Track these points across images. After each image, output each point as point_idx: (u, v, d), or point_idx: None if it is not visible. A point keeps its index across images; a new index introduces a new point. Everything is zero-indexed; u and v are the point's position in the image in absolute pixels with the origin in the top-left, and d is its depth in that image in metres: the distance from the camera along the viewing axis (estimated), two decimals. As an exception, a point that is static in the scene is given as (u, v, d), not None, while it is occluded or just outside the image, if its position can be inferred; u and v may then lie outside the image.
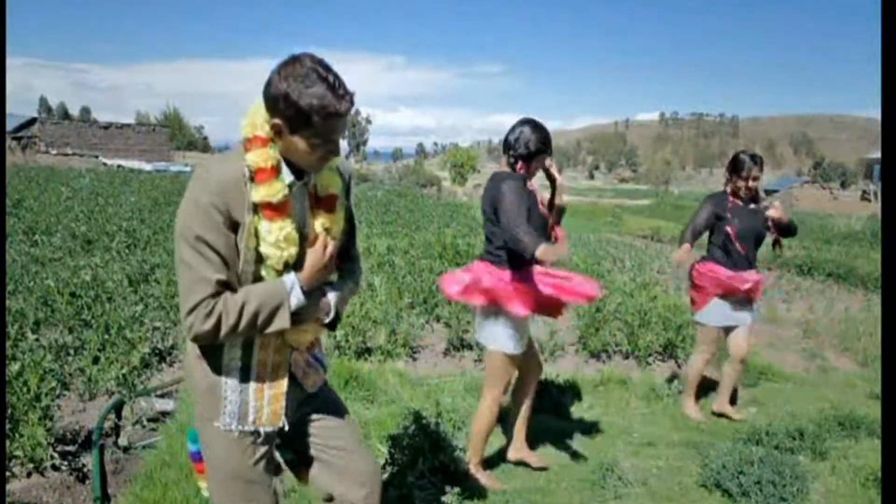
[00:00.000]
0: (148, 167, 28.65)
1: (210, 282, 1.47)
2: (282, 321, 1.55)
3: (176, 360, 4.62)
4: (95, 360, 4.17)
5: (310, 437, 1.83)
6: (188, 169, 29.56)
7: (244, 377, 1.63)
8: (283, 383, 1.68)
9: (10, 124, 32.44)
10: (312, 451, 1.83)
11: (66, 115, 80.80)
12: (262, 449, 1.71)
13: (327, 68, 1.46)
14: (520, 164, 2.80)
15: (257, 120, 1.52)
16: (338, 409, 1.89)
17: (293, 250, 1.57)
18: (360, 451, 1.88)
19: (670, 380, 4.85)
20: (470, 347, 5.17)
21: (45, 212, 10.64)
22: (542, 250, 2.43)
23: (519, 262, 2.76)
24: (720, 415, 4.20)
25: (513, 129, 2.84)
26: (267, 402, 1.66)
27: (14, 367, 3.22)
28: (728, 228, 3.85)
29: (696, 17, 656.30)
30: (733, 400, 4.37)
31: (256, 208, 1.51)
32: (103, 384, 3.97)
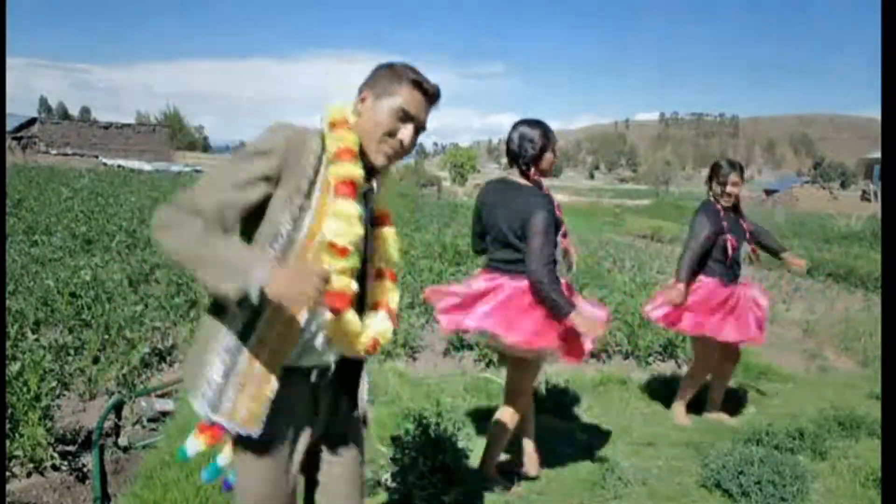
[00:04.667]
0: (148, 167, 28.64)
1: (219, 201, 1.38)
2: (225, 286, 1.29)
3: (176, 360, 4.62)
4: (95, 360, 4.18)
5: (320, 460, 1.72)
6: (188, 169, 29.56)
7: (232, 360, 1.47)
8: (273, 385, 1.48)
9: (10, 124, 32.40)
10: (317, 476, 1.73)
11: (66, 115, 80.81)
12: (301, 448, 1.60)
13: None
14: (532, 169, 2.77)
15: (344, 109, 1.56)
16: (357, 453, 1.76)
17: (360, 232, 1.50)
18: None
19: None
20: (470, 347, 5.17)
21: (45, 212, 10.63)
22: (574, 318, 2.56)
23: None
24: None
25: (510, 137, 2.81)
26: (248, 399, 1.47)
27: (14, 367, 3.22)
28: (728, 242, 3.75)
29: (696, 17, 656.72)
30: (732, 402, 4.37)
31: (315, 185, 1.48)
32: (103, 384, 3.97)
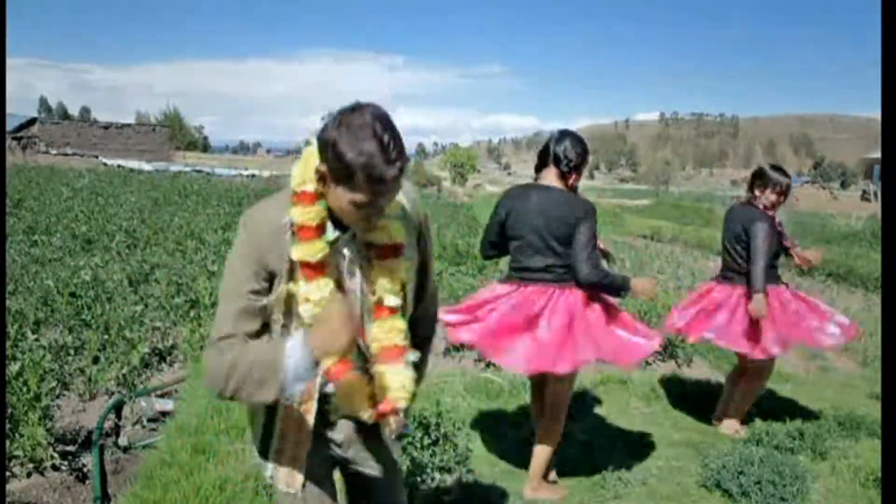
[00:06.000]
0: (148, 167, 28.64)
1: (234, 317, 1.41)
2: (266, 392, 1.36)
3: (176, 360, 4.62)
4: (95, 360, 4.18)
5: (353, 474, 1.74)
6: (188, 169, 29.58)
7: (264, 448, 1.59)
8: (303, 456, 1.56)
9: (10, 124, 32.39)
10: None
11: (65, 115, 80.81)
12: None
13: (386, 126, 1.34)
14: (573, 175, 2.89)
15: (307, 172, 1.42)
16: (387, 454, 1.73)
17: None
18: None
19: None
20: (470, 347, 5.16)
21: (45, 212, 10.64)
22: (636, 284, 2.80)
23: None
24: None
25: (558, 141, 2.90)
26: (286, 464, 1.58)
27: (14, 367, 3.23)
28: (786, 244, 3.75)
29: (695, 17, 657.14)
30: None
31: (294, 265, 1.43)
32: (103, 384, 3.97)
